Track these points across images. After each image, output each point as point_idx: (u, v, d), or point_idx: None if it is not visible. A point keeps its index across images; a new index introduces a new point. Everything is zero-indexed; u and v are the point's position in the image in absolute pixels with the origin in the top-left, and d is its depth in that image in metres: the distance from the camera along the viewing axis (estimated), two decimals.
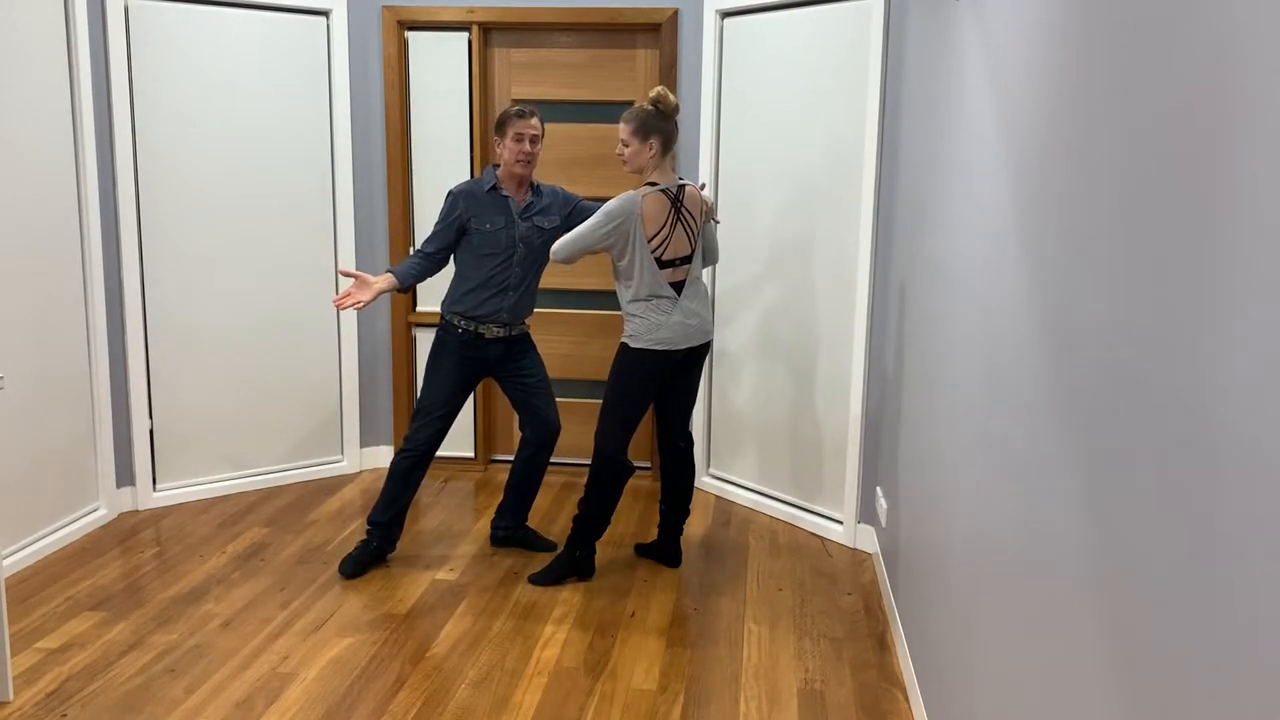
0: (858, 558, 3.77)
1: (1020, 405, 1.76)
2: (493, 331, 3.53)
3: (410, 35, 4.42)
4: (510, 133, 3.42)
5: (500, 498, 4.34)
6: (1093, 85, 1.42)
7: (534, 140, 3.44)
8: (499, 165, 3.51)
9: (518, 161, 3.44)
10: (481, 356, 3.54)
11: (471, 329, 3.50)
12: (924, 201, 2.94)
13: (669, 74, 4.28)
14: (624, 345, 3.38)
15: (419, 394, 3.62)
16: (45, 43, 3.55)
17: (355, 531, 3.90)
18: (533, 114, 3.44)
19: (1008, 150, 1.92)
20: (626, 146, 3.29)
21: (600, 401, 4.67)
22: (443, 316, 3.56)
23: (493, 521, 3.82)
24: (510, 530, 3.78)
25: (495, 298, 3.49)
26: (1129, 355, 1.23)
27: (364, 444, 4.65)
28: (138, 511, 4.09)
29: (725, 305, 4.31)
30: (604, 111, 4.45)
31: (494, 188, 3.48)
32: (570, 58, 4.42)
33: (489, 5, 4.32)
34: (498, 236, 3.46)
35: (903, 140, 3.46)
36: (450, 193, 3.49)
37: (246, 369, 4.28)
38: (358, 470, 4.63)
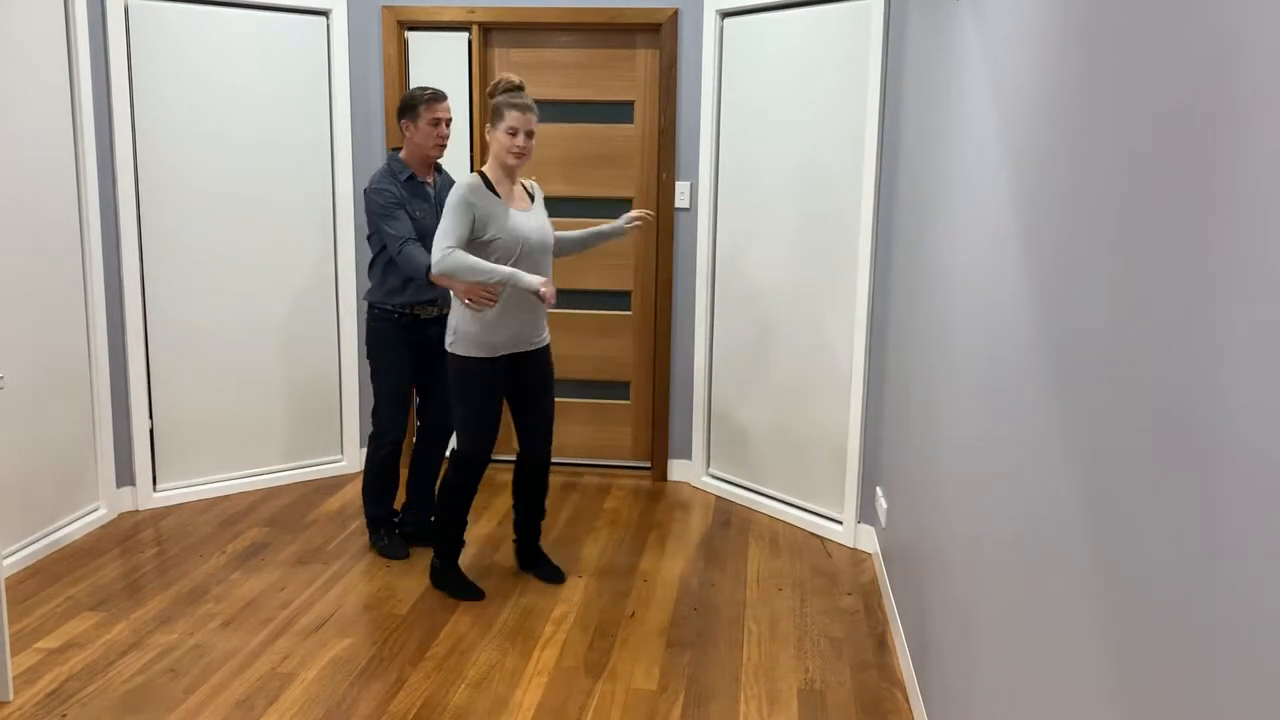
0: (858, 558, 3.77)
1: (1020, 405, 1.76)
2: (428, 312, 3.55)
3: (410, 35, 4.42)
4: (425, 116, 3.39)
5: (499, 498, 4.35)
6: (1092, 85, 1.42)
7: (449, 123, 3.45)
8: (401, 150, 3.49)
9: (436, 145, 3.43)
10: (422, 338, 3.56)
11: (408, 311, 3.51)
12: (924, 201, 2.94)
13: (669, 74, 4.28)
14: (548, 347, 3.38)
15: (376, 384, 3.61)
16: (45, 43, 3.55)
17: (356, 531, 3.90)
18: (445, 95, 3.45)
19: (1007, 150, 1.92)
20: (530, 139, 3.17)
21: (598, 402, 4.68)
22: (373, 306, 3.55)
23: (400, 518, 3.79)
24: (417, 527, 3.77)
25: (430, 285, 3.47)
26: (1129, 355, 1.23)
27: (364, 444, 4.65)
28: (138, 511, 4.09)
29: (724, 304, 4.31)
30: (604, 111, 4.45)
31: (411, 176, 3.46)
32: (570, 58, 4.42)
33: (489, 5, 4.32)
34: (424, 224, 3.45)
35: (903, 140, 3.46)
36: (380, 189, 3.38)
37: (247, 369, 4.28)
38: (358, 470, 4.62)
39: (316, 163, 4.32)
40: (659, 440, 4.57)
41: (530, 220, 3.21)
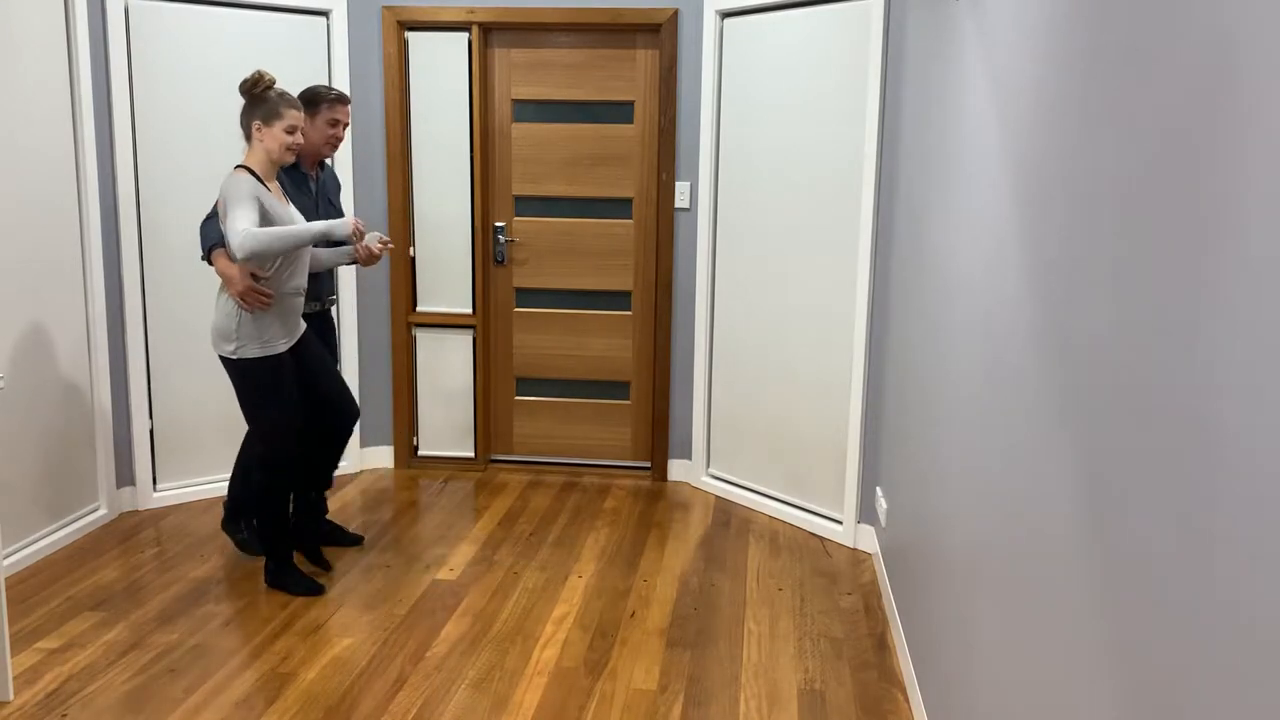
0: (858, 558, 3.77)
1: (1020, 406, 1.76)
2: (309, 307, 3.55)
3: (410, 35, 4.42)
4: (326, 115, 3.43)
5: (498, 498, 4.36)
6: (1092, 85, 1.42)
7: (346, 127, 3.51)
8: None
9: (329, 144, 3.48)
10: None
11: None
12: (924, 201, 2.94)
13: (669, 74, 4.28)
14: None
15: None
16: (45, 42, 3.55)
17: (356, 531, 3.89)
18: (349, 100, 3.49)
19: (1007, 150, 1.92)
20: (303, 134, 3.22)
21: (598, 402, 4.69)
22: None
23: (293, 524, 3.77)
24: (316, 528, 3.74)
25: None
26: (1129, 355, 1.23)
27: (364, 444, 4.65)
28: (138, 511, 4.09)
29: (725, 305, 4.31)
30: (604, 111, 4.46)
31: (295, 165, 3.48)
32: (570, 58, 4.42)
33: (489, 5, 4.32)
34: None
35: (903, 140, 3.46)
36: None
37: None
38: (358, 470, 4.63)
39: None
40: (659, 440, 4.58)
41: (296, 215, 3.24)
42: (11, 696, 2.70)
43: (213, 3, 4.02)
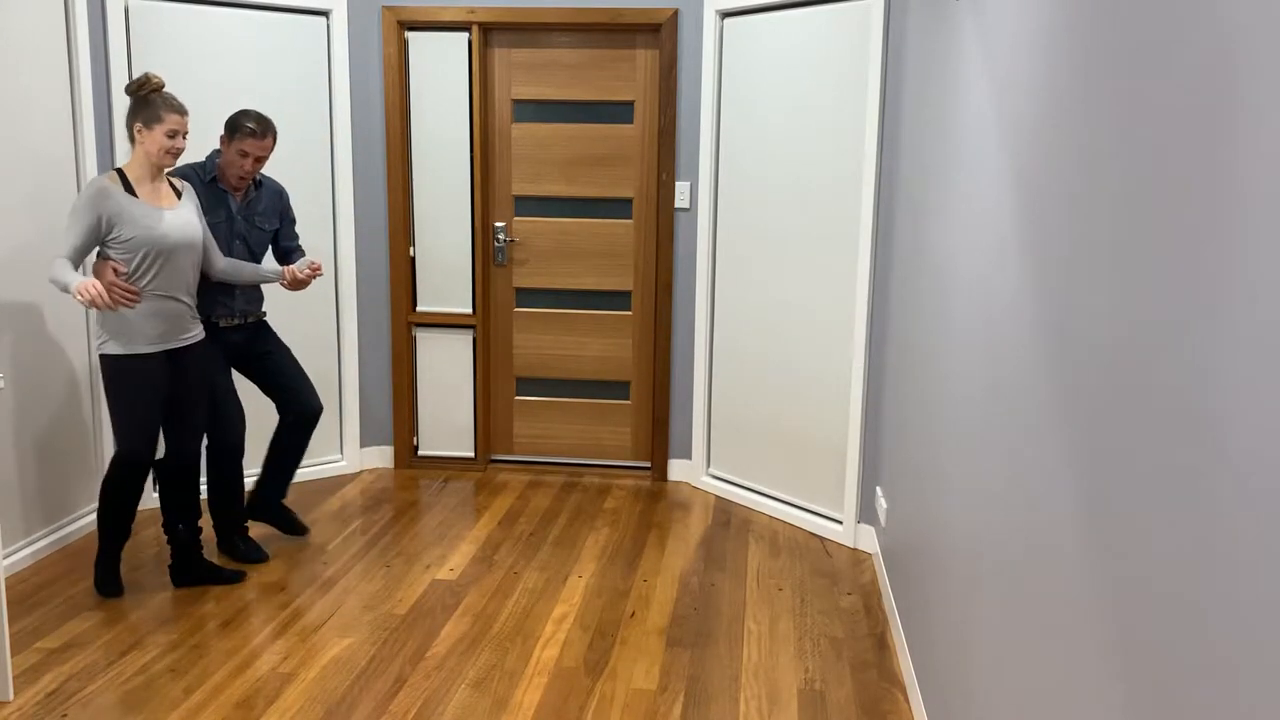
0: (858, 558, 3.77)
1: (1020, 405, 1.76)
2: (228, 320, 3.50)
3: (410, 35, 4.42)
4: (234, 147, 3.36)
5: (498, 497, 4.36)
6: (1093, 85, 1.42)
7: (257, 160, 3.40)
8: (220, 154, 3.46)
9: (235, 175, 3.41)
10: (223, 346, 3.52)
11: (204, 319, 3.44)
12: (924, 201, 2.94)
13: (669, 74, 4.28)
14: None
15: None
16: (45, 42, 3.55)
17: (355, 531, 3.90)
18: (265, 134, 3.37)
19: (1008, 150, 1.92)
20: (185, 138, 3.17)
21: (598, 402, 4.68)
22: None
23: (250, 493, 3.75)
24: (267, 504, 3.74)
25: (221, 289, 3.46)
26: (1130, 355, 1.24)
27: (364, 444, 4.66)
28: (138, 511, 4.08)
29: (725, 304, 4.32)
30: (604, 111, 4.46)
31: (215, 179, 3.43)
32: (570, 58, 4.42)
33: (489, 5, 4.32)
34: (219, 230, 3.42)
35: (903, 140, 3.46)
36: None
37: None
38: (358, 470, 4.63)
39: (316, 163, 4.32)
40: (659, 440, 4.58)
41: (174, 218, 3.16)
42: (11, 696, 2.70)
43: (213, 3, 4.02)
